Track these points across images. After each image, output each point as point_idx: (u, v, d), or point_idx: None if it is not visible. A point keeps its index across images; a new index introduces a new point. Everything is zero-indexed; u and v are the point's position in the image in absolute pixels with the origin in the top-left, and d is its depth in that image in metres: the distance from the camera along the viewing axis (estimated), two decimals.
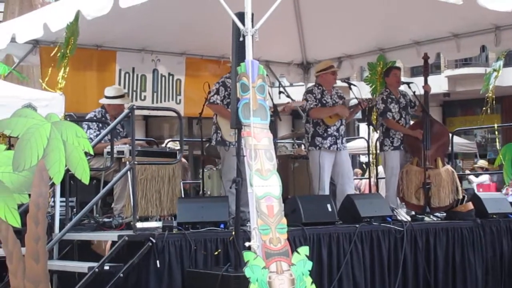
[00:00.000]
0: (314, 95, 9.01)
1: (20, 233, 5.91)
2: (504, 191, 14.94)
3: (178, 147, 8.32)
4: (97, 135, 8.14)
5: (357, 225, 7.54)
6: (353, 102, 9.78)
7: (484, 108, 9.42)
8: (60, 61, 7.24)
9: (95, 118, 8.65)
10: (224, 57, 10.72)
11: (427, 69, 9.79)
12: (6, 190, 5.77)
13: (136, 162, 6.94)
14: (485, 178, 17.87)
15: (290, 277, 5.33)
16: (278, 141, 10.43)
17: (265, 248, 5.29)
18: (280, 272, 5.29)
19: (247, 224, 6.41)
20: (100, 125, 8.55)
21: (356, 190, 13.68)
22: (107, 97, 8.81)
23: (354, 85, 9.18)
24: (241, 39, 5.74)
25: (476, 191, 16.41)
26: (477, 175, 18.19)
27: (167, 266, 6.41)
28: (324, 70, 9.16)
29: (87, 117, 8.74)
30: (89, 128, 8.47)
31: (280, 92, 9.06)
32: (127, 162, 7.26)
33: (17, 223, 5.80)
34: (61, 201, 7.05)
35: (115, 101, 8.76)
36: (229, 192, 7.56)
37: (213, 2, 5.89)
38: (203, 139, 9.48)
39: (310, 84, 10.89)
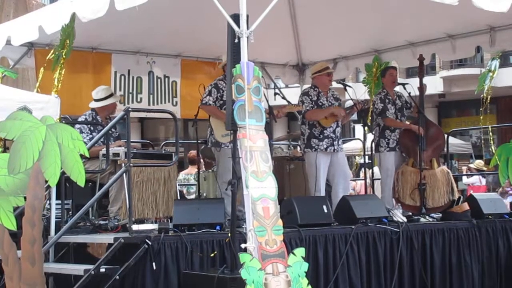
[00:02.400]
0: (310, 97, 9.01)
1: (16, 236, 5.90)
2: (499, 190, 14.94)
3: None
4: (90, 139, 8.11)
5: (353, 226, 7.54)
6: (349, 103, 9.79)
7: (481, 109, 9.43)
8: (54, 63, 7.23)
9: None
10: (219, 59, 10.72)
11: (422, 70, 9.81)
12: (2, 193, 5.76)
13: (131, 164, 6.95)
14: (475, 179, 17.86)
15: (286, 278, 5.32)
16: (274, 142, 10.44)
17: (261, 250, 5.29)
18: (276, 273, 5.29)
19: (243, 226, 6.41)
20: (92, 128, 8.52)
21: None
22: (96, 100, 8.73)
23: (350, 86, 9.18)
24: (236, 41, 5.74)
25: (466, 191, 16.45)
26: (468, 176, 18.20)
27: (163, 268, 6.41)
28: (319, 71, 9.16)
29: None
30: (81, 132, 8.42)
31: (275, 94, 9.05)
32: (123, 164, 7.26)
33: (12, 226, 5.80)
34: (56, 204, 7.04)
35: (106, 101, 8.71)
36: (225, 194, 7.57)
37: (208, 4, 5.89)
38: (199, 141, 9.48)
39: (306, 86, 10.90)
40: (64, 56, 7.05)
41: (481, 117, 9.75)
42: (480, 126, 9.69)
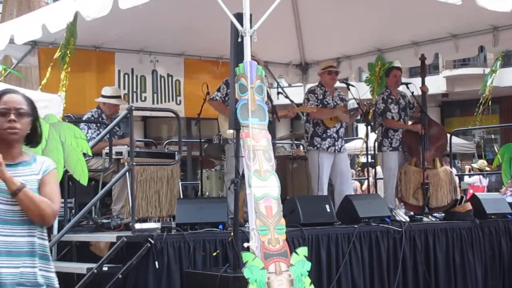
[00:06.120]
0: (316, 95, 9.02)
1: None
2: (502, 190, 14.94)
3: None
4: (97, 134, 8.16)
5: (356, 226, 7.53)
6: (352, 102, 9.78)
7: (479, 109, 9.44)
8: (61, 62, 7.24)
9: (92, 118, 8.67)
10: (222, 58, 10.73)
11: (424, 70, 9.81)
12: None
13: (134, 163, 6.95)
14: (476, 179, 17.86)
15: (289, 277, 5.32)
16: (277, 142, 10.44)
17: (263, 249, 5.28)
18: (279, 272, 5.29)
19: (246, 225, 6.41)
20: (98, 124, 8.58)
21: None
22: (103, 96, 8.84)
23: (353, 86, 9.17)
24: (239, 40, 5.74)
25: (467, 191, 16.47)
26: (470, 175, 18.20)
27: (165, 267, 6.40)
28: (322, 69, 9.18)
29: (84, 118, 8.75)
30: (89, 128, 8.50)
31: (278, 93, 9.05)
32: (126, 163, 7.26)
33: None
34: None
35: (110, 100, 8.79)
36: (230, 191, 7.57)
37: (211, 3, 5.89)
38: (202, 140, 9.49)
39: (308, 85, 10.91)
40: (69, 55, 7.07)
41: (478, 117, 9.76)
42: (483, 126, 9.69)
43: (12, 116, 3.56)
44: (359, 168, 14.58)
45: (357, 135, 20.51)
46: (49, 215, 3.54)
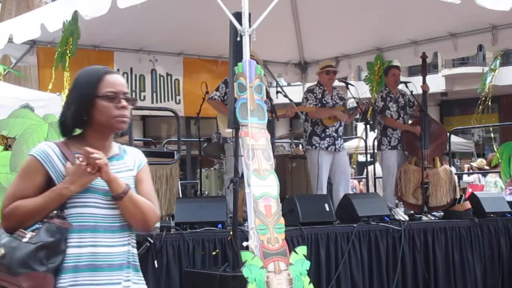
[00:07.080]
0: (314, 94, 9.01)
1: None
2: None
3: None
4: None
5: (355, 225, 7.52)
6: (351, 101, 9.79)
7: (478, 108, 9.45)
8: (58, 61, 7.23)
9: None
10: (221, 57, 10.73)
11: (425, 68, 9.80)
12: (4, 191, 5.76)
13: None
14: (474, 178, 17.87)
15: (288, 276, 5.31)
16: (276, 141, 10.44)
17: (263, 248, 5.28)
18: (278, 272, 5.28)
19: (245, 224, 6.41)
20: None
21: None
22: None
23: (352, 85, 9.17)
24: (238, 39, 5.73)
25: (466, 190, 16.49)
26: (469, 174, 18.23)
27: (165, 266, 6.40)
28: (320, 69, 9.18)
29: None
30: None
31: (277, 92, 9.06)
32: None
33: None
34: None
35: None
36: (229, 190, 7.56)
37: (210, 2, 5.89)
38: (201, 139, 9.48)
39: (308, 84, 10.91)
40: (69, 55, 7.07)
41: (477, 116, 9.77)
42: (482, 125, 9.70)
43: (124, 102, 3.00)
44: (354, 166, 14.59)
45: (356, 134, 20.55)
46: (153, 220, 3.07)
